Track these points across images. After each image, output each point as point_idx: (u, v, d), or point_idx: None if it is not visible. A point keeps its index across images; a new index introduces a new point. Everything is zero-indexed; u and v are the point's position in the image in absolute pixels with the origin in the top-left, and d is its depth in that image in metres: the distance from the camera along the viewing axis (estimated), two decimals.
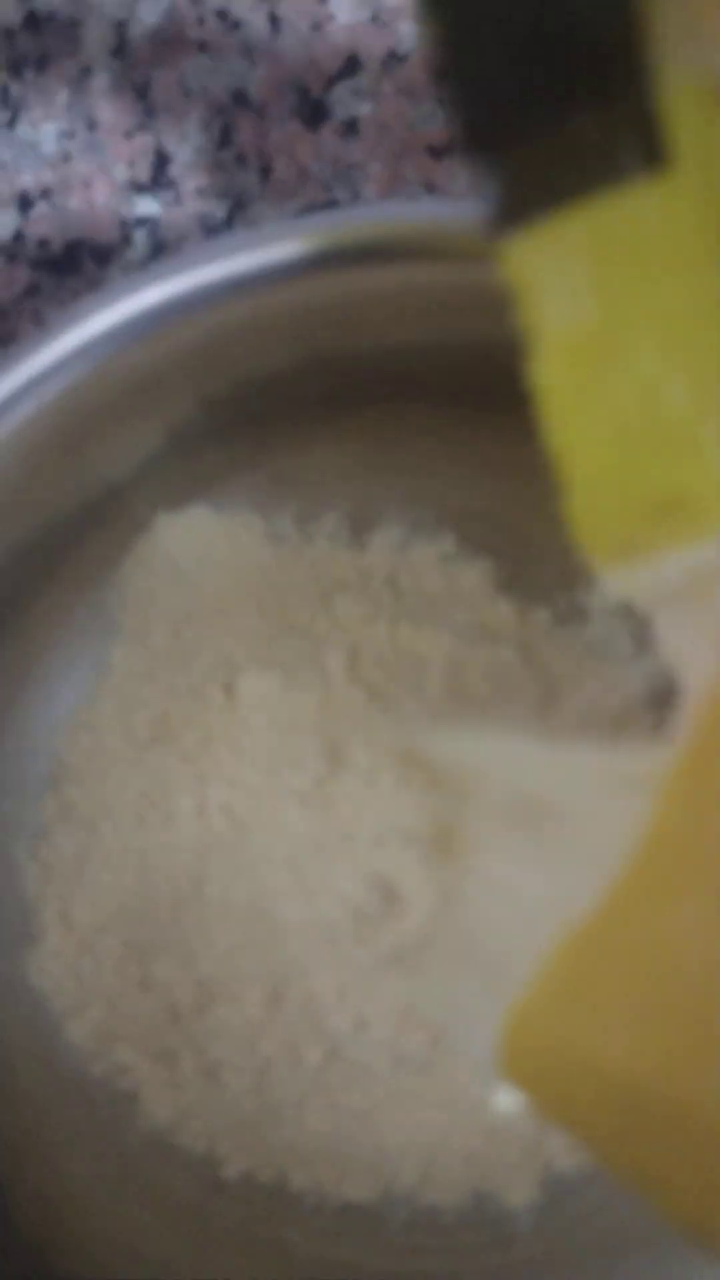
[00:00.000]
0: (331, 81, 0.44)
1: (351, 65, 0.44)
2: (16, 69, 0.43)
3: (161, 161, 0.43)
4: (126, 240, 0.43)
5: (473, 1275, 0.35)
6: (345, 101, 0.44)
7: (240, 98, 0.44)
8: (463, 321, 0.34)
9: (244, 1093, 0.34)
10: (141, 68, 0.44)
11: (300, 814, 0.33)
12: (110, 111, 0.43)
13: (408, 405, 0.38)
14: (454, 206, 0.34)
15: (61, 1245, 0.34)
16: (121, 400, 0.33)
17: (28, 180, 0.43)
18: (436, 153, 0.44)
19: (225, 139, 0.43)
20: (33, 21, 0.43)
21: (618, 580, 0.24)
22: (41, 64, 0.44)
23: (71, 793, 0.36)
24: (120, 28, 0.43)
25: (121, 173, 0.43)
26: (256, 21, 0.43)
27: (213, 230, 0.43)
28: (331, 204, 0.43)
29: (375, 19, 0.43)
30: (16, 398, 0.31)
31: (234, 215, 0.43)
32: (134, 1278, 0.34)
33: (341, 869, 0.32)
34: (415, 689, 0.35)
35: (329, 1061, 0.34)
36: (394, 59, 0.44)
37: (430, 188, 0.43)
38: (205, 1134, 0.35)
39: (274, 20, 0.43)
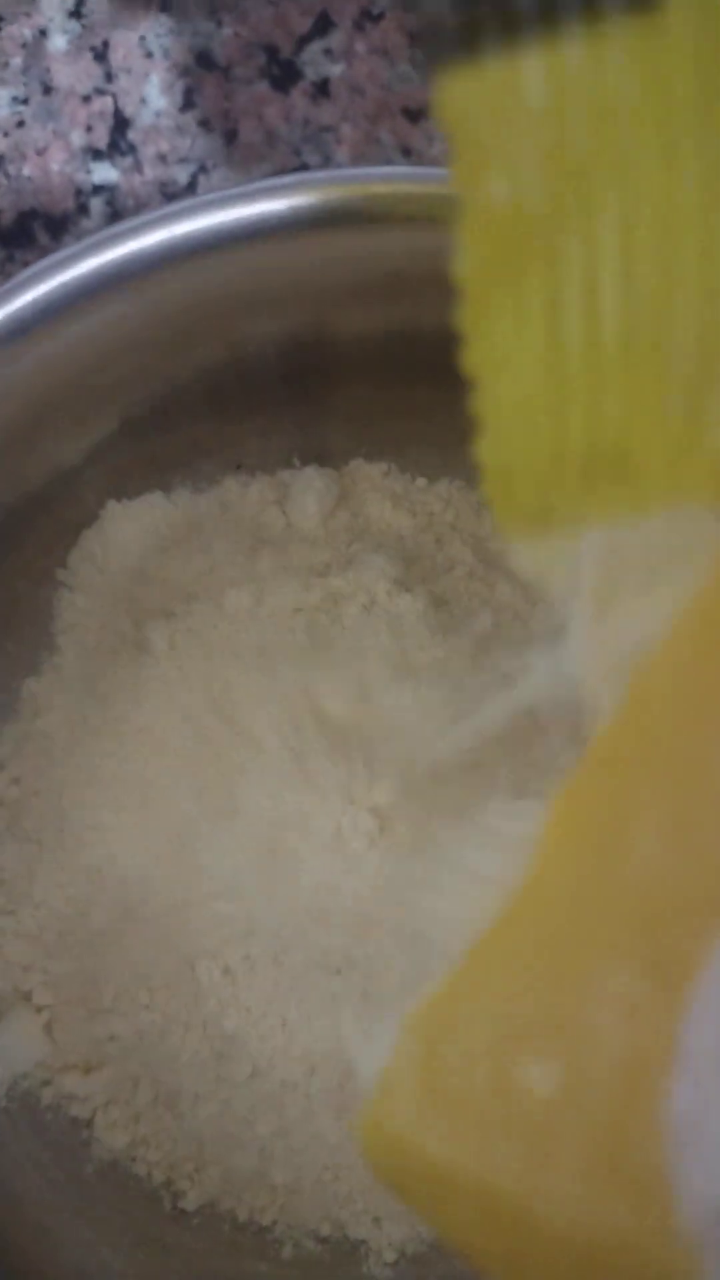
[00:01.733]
0: (302, 41, 0.41)
1: (323, 24, 0.41)
2: None
3: (121, 126, 0.41)
4: (83, 210, 0.40)
5: None
6: (316, 62, 0.41)
7: (205, 59, 0.41)
8: (444, 297, 0.32)
9: (204, 1122, 0.32)
10: (100, 29, 0.41)
11: (252, 821, 0.30)
12: (67, 75, 0.41)
13: (382, 386, 0.36)
14: (433, 172, 0.31)
15: (15, 1275, 0.32)
16: (68, 380, 0.31)
17: None
18: (413, 115, 0.41)
19: (188, 102, 0.41)
20: None
21: (526, 553, 0.19)
22: None
23: (17, 804, 0.33)
24: None
25: (78, 138, 0.41)
26: None
27: (174, 197, 0.40)
28: (301, 169, 0.41)
29: None
30: None
31: (198, 182, 0.41)
32: None
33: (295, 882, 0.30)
34: (394, 685, 0.33)
35: (294, 1091, 0.32)
36: (367, 18, 0.41)
37: (406, 151, 0.41)
38: (164, 1163, 0.33)
39: None
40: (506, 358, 0.18)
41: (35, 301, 0.28)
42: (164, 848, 0.31)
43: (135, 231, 0.28)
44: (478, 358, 0.18)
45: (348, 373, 0.35)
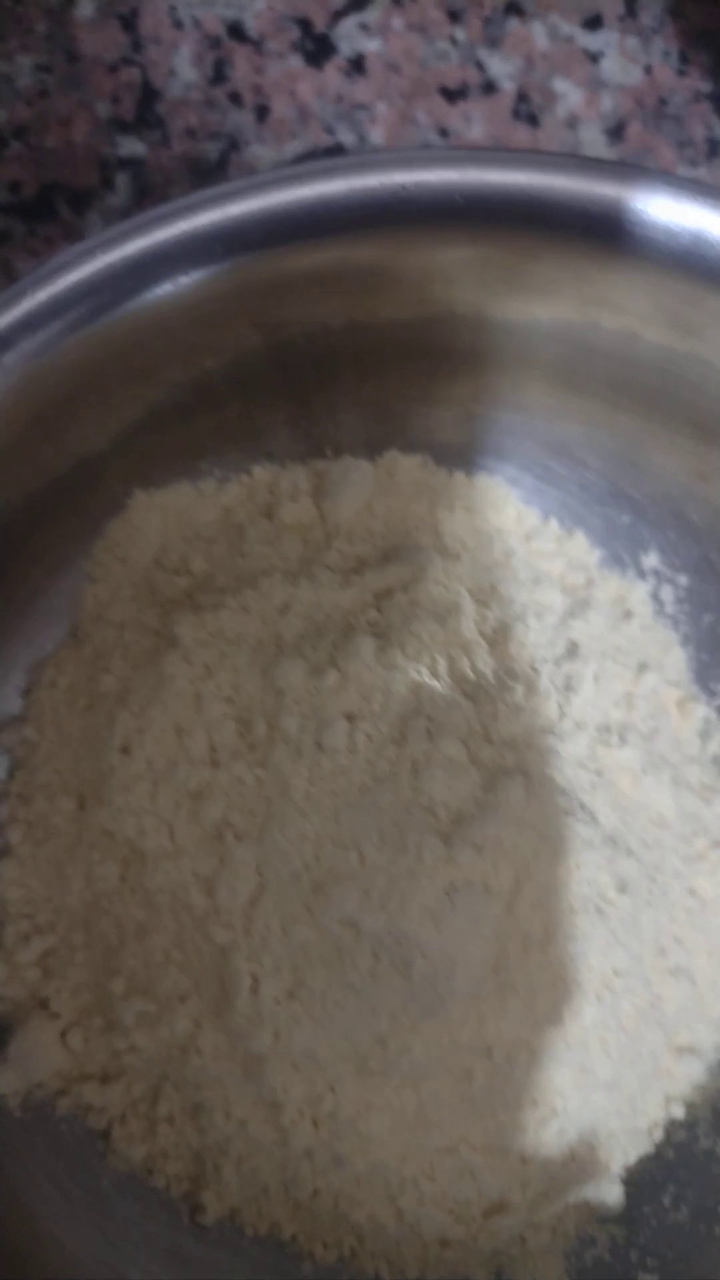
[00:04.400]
0: (337, 15, 0.40)
1: None
2: None
3: (148, 98, 0.39)
4: (107, 184, 0.39)
5: None
6: (351, 37, 0.40)
7: (236, 30, 0.40)
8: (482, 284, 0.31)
9: (227, 1137, 0.31)
10: None
11: (286, 830, 0.29)
12: (93, 43, 0.39)
13: (414, 374, 0.34)
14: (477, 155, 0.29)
15: None
16: (97, 365, 0.29)
17: (0, 117, 0.39)
18: (450, 94, 0.40)
19: (219, 75, 0.39)
20: None
21: None
22: None
23: (35, 807, 0.32)
24: None
25: (104, 109, 0.39)
26: None
27: (203, 174, 0.39)
28: (335, 149, 0.39)
29: None
30: None
31: (227, 158, 0.39)
32: None
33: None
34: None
35: (320, 1112, 0.30)
36: None
37: (442, 132, 0.40)
38: (183, 1176, 0.32)
39: None
40: None
41: (77, 284, 0.26)
42: (192, 855, 0.30)
43: (183, 213, 0.26)
44: None
45: (381, 360, 0.33)
